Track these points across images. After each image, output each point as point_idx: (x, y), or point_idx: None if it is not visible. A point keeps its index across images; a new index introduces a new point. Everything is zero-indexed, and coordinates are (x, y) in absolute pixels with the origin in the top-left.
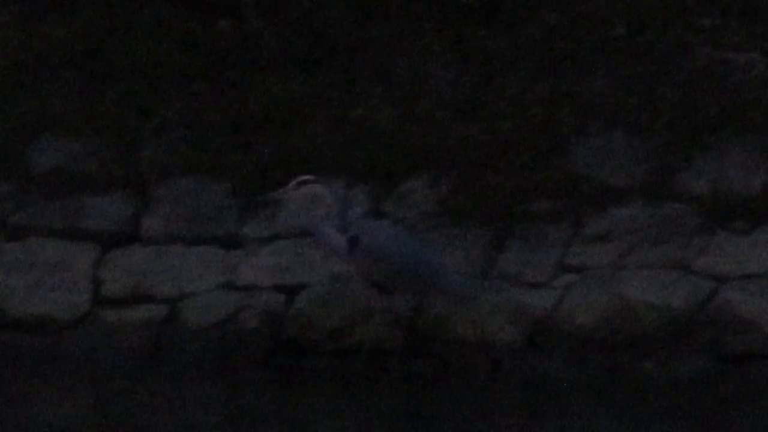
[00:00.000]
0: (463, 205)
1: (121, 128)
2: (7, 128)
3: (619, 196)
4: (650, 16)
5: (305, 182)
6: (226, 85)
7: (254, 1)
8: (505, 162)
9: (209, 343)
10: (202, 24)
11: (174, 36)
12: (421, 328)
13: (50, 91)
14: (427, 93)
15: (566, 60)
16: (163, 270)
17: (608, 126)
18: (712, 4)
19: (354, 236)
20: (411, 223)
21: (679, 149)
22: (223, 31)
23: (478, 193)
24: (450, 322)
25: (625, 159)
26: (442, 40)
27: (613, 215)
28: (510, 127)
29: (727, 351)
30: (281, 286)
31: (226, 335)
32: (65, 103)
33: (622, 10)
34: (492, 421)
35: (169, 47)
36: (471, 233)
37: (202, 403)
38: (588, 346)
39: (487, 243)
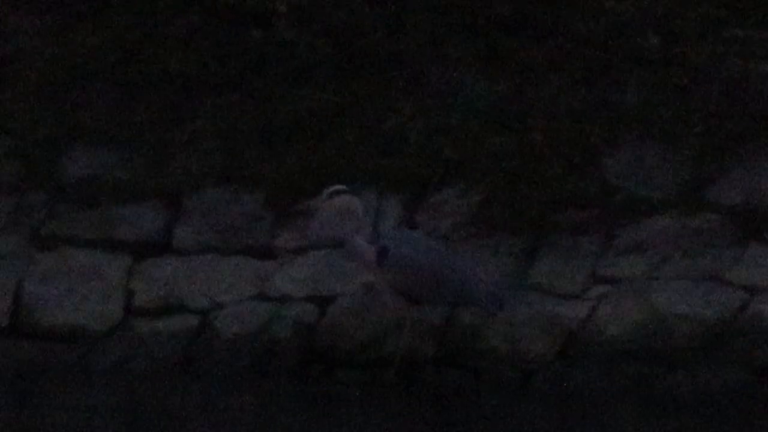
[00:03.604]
0: (495, 215)
1: (153, 138)
2: (39, 137)
3: (651, 207)
4: (683, 26)
5: (337, 192)
6: (258, 94)
7: (286, 11)
8: (537, 173)
9: (241, 353)
10: (234, 33)
11: (206, 45)
12: (453, 339)
13: (82, 101)
14: (458, 103)
15: (598, 70)
16: (195, 280)
17: (640, 137)
18: (745, 14)
19: (384, 247)
20: (443, 233)
21: (712, 160)
22: (255, 40)
23: (510, 204)
24: (481, 333)
25: (657, 170)
26: (473, 51)
27: (645, 226)
28: (542, 138)
29: (760, 363)
30: (313, 297)
31: (258, 346)
32: (97, 112)
33: (654, 21)
34: None
35: (201, 57)
36: (503, 244)
37: (233, 414)
38: (620, 357)
39: (519, 254)
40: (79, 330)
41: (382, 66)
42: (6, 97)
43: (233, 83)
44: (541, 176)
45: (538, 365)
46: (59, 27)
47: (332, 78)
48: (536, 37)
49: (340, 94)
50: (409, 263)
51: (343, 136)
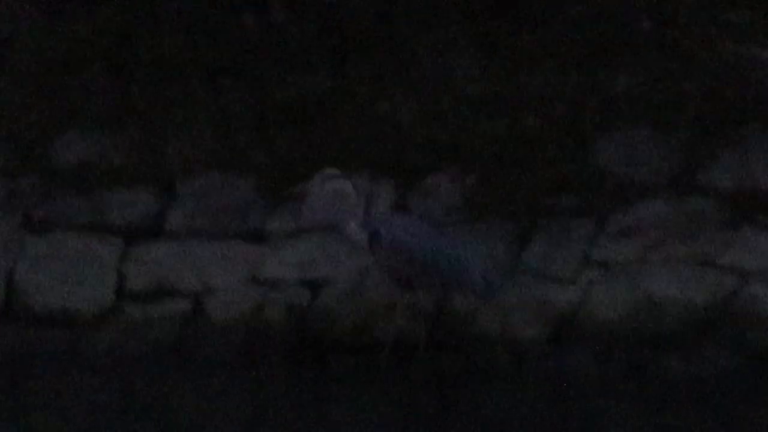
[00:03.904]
0: (488, 200)
1: (146, 123)
2: (32, 123)
3: (643, 192)
4: (675, 11)
5: (330, 177)
6: (251, 79)
7: None
8: (529, 157)
9: (233, 337)
10: (227, 18)
11: (199, 30)
12: (445, 323)
13: (75, 86)
14: (451, 88)
15: (591, 55)
16: (188, 265)
17: (633, 121)
18: None
19: (376, 231)
20: (435, 218)
21: (704, 144)
22: (248, 25)
23: (503, 189)
24: (474, 318)
25: (649, 154)
26: (466, 35)
27: (637, 210)
28: (534, 123)
29: (752, 347)
30: (305, 281)
31: (251, 330)
32: (90, 97)
33: (647, 5)
34: (516, 417)
35: (194, 42)
36: (495, 228)
37: (226, 398)
38: (612, 341)
39: (511, 238)
40: (71, 314)
41: (375, 51)
42: None
43: (226, 68)
44: (534, 161)
45: (531, 349)
46: (52, 11)
47: (325, 63)
48: (529, 21)
49: (333, 79)
50: (401, 248)
51: (335, 120)
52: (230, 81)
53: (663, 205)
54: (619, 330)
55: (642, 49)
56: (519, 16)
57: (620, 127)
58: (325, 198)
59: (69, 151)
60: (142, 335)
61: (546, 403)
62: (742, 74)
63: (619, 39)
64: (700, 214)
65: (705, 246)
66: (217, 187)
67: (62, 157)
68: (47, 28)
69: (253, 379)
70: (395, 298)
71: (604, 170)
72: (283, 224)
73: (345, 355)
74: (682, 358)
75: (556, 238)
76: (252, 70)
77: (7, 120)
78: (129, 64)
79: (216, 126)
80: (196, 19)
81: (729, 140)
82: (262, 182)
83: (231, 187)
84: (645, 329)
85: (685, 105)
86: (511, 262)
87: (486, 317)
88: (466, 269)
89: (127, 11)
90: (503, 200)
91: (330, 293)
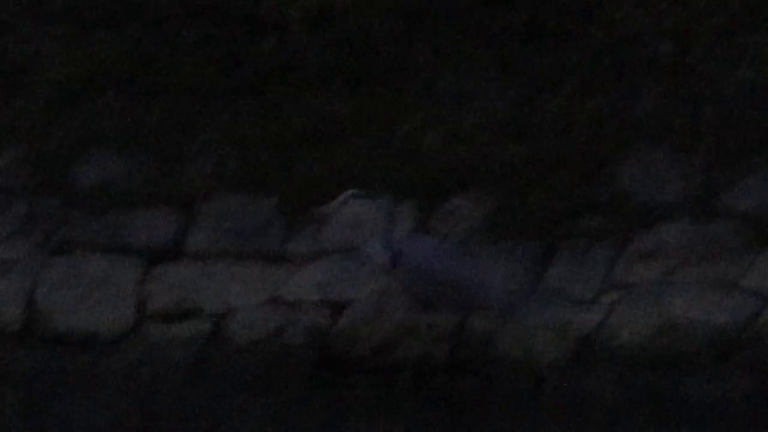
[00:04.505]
0: (509, 222)
1: (167, 144)
2: (53, 144)
3: (664, 214)
4: (695, 35)
5: (352, 196)
6: (271, 101)
7: (299, 18)
8: (550, 180)
9: (254, 358)
10: (247, 41)
11: (219, 53)
12: (466, 344)
13: (96, 108)
14: (472, 111)
15: (611, 78)
16: (209, 286)
17: (654, 144)
18: (758, 23)
19: (398, 252)
20: (457, 240)
21: (725, 167)
22: (268, 48)
23: (524, 211)
24: (494, 339)
25: (670, 177)
26: (486, 59)
27: (659, 233)
28: (555, 145)
29: None
30: (326, 302)
31: (271, 351)
32: (111, 119)
33: (667, 29)
34: None
35: (214, 64)
36: (516, 250)
37: (246, 419)
38: (633, 363)
39: (532, 260)
40: (91, 335)
41: (395, 73)
42: (20, 104)
43: (246, 90)
44: (555, 183)
45: (551, 371)
46: (73, 35)
47: (345, 85)
48: (549, 45)
49: (353, 102)
50: (422, 269)
51: (356, 143)
52: (250, 103)
53: (684, 227)
54: (641, 352)
55: (662, 72)
56: (540, 40)
57: (641, 150)
58: (347, 218)
59: (89, 172)
60: (162, 356)
61: (566, 425)
62: (761, 98)
63: (640, 63)
64: (720, 237)
65: (726, 268)
66: (237, 208)
67: (82, 179)
68: (67, 50)
69: (273, 400)
70: (416, 320)
71: (626, 193)
72: (304, 245)
73: (365, 376)
74: (703, 380)
75: (577, 259)
76: (272, 93)
77: (28, 141)
78: (149, 86)
79: (236, 147)
80: (216, 42)
81: (749, 163)
82: (283, 203)
83: (251, 209)
84: (666, 351)
85: (705, 128)
86: (532, 284)
87: (507, 339)
88: (487, 291)
89: (147, 34)
90: (524, 222)
91: (351, 314)
